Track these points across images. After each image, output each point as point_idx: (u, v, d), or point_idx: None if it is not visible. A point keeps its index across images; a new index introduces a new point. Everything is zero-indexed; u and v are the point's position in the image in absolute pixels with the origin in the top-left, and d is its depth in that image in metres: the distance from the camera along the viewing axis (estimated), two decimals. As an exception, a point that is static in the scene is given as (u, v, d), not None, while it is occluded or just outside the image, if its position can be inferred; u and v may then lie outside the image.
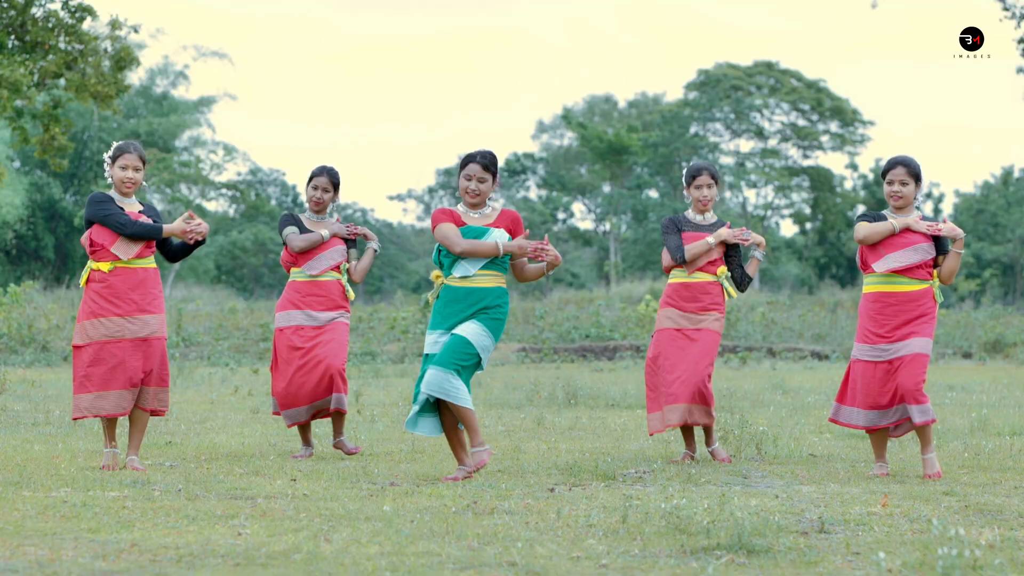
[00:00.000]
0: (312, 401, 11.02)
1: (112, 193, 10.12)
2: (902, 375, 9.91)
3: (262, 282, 64.91)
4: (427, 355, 9.50)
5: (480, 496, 8.58)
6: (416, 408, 9.38)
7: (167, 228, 10.02)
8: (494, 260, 9.43)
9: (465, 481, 9.35)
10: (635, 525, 7.43)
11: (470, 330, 9.37)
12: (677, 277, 11.02)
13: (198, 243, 10.15)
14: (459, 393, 9.28)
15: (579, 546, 6.86)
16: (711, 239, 10.92)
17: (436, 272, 9.58)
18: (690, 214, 11.11)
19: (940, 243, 10.06)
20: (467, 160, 9.49)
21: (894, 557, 6.57)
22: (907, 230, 9.95)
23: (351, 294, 11.25)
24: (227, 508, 7.99)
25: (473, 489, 8.92)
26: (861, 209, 68.90)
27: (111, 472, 9.74)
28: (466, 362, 9.33)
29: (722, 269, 11.03)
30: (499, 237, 9.44)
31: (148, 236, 9.99)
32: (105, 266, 9.98)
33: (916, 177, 9.97)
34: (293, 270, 11.18)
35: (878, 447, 10.19)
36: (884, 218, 10.03)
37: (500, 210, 9.58)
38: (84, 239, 10.06)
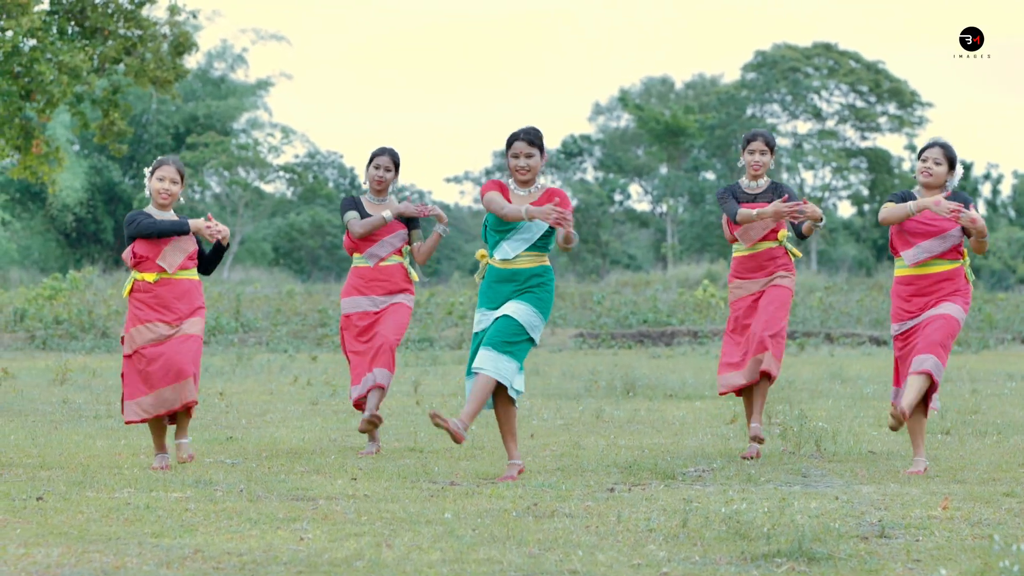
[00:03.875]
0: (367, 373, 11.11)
1: (148, 208, 10.23)
2: (929, 329, 9.96)
3: (319, 264, 65.07)
4: (476, 333, 9.66)
5: (541, 497, 8.59)
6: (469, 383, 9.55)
7: (192, 223, 10.10)
8: (535, 243, 9.51)
9: (525, 480, 9.40)
10: (695, 530, 7.43)
11: (515, 309, 9.48)
12: (740, 250, 11.06)
13: (221, 247, 10.23)
14: (508, 374, 9.38)
15: (639, 552, 6.87)
16: (760, 211, 10.81)
17: (481, 251, 9.74)
18: (743, 182, 11.14)
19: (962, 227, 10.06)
20: (512, 139, 9.61)
21: (954, 566, 6.55)
22: (935, 217, 9.94)
23: (415, 276, 11.34)
24: (289, 510, 8.02)
25: (534, 489, 8.93)
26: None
27: (173, 471, 9.81)
28: (515, 339, 9.44)
29: (783, 233, 11.02)
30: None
31: (176, 231, 10.04)
32: (151, 276, 10.08)
33: (950, 161, 10.03)
34: (355, 256, 11.27)
35: (915, 437, 10.15)
36: (913, 197, 10.06)
37: (546, 188, 9.66)
38: (126, 255, 10.14)
